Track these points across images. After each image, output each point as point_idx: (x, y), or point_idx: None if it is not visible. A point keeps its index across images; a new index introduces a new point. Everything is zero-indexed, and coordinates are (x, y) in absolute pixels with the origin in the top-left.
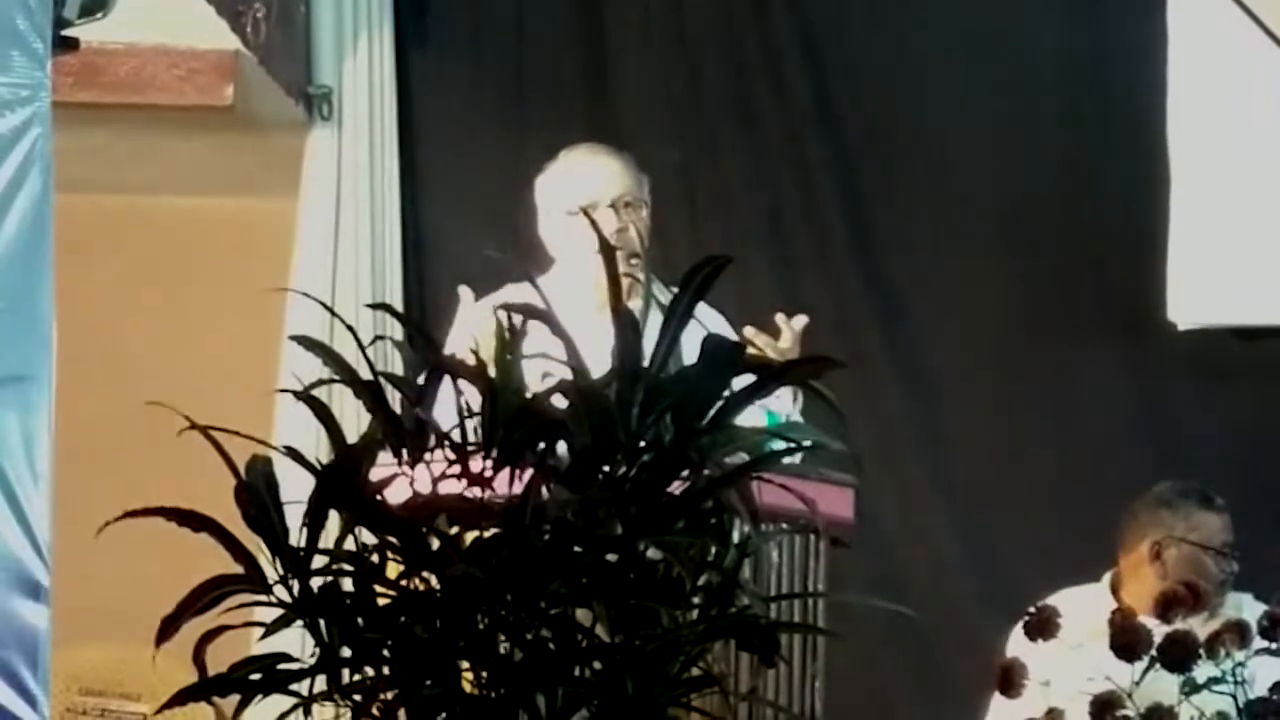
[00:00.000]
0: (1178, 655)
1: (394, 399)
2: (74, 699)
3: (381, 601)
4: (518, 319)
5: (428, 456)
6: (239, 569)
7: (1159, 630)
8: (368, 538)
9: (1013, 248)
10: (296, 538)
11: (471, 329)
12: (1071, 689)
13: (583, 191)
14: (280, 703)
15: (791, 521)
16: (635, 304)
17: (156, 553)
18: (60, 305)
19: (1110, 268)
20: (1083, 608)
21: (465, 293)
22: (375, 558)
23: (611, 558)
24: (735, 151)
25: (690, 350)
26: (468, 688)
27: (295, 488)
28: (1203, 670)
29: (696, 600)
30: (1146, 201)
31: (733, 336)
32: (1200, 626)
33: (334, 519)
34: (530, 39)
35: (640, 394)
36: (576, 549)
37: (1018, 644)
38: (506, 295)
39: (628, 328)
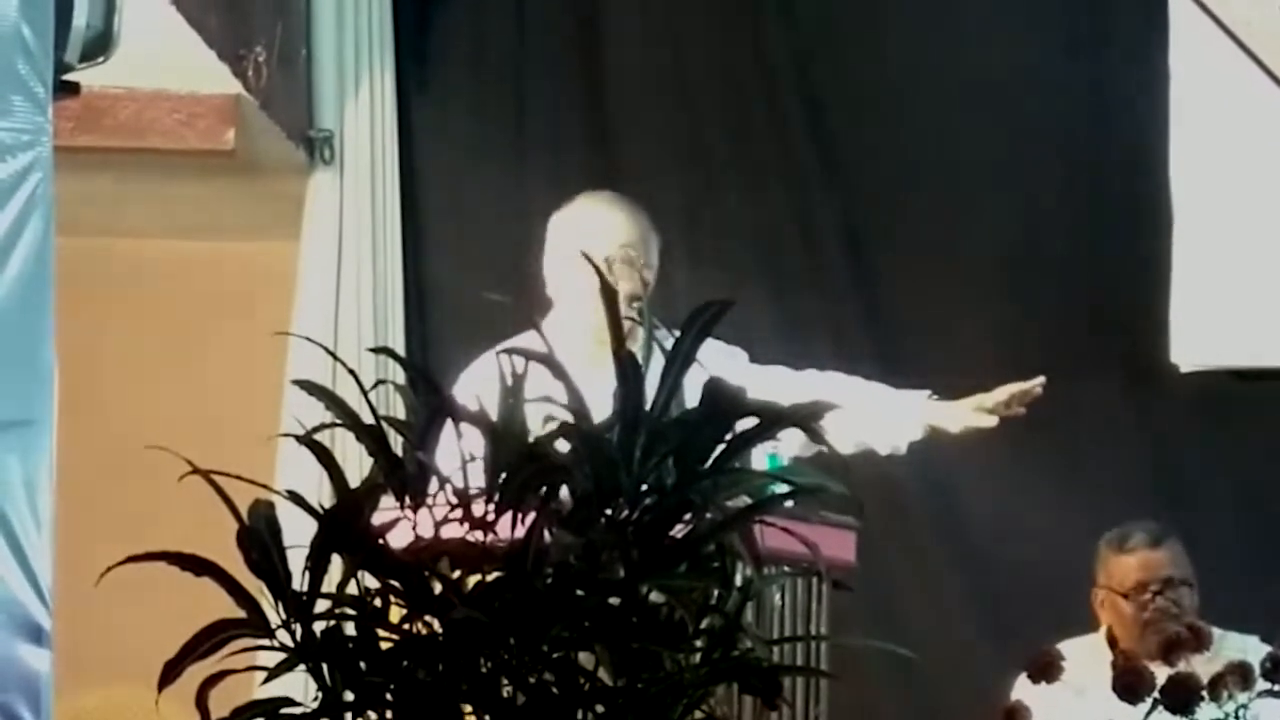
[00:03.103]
0: (1181, 697)
1: (396, 443)
2: None
3: (384, 645)
4: (520, 363)
5: (430, 501)
6: (241, 613)
7: (1162, 672)
8: (370, 582)
9: (1015, 290)
10: (299, 582)
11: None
12: None
13: (587, 236)
14: None
15: (794, 564)
16: (633, 345)
17: (159, 597)
18: (62, 349)
19: (1113, 310)
20: (1083, 655)
21: None
22: (378, 602)
23: (614, 601)
24: (735, 193)
25: (692, 394)
26: None
27: (297, 532)
28: (1206, 712)
29: (699, 643)
30: (1150, 244)
31: (748, 369)
32: (1203, 668)
33: (336, 563)
34: (531, 82)
35: (642, 438)
36: (579, 592)
37: (1021, 688)
38: (512, 344)
39: (629, 372)
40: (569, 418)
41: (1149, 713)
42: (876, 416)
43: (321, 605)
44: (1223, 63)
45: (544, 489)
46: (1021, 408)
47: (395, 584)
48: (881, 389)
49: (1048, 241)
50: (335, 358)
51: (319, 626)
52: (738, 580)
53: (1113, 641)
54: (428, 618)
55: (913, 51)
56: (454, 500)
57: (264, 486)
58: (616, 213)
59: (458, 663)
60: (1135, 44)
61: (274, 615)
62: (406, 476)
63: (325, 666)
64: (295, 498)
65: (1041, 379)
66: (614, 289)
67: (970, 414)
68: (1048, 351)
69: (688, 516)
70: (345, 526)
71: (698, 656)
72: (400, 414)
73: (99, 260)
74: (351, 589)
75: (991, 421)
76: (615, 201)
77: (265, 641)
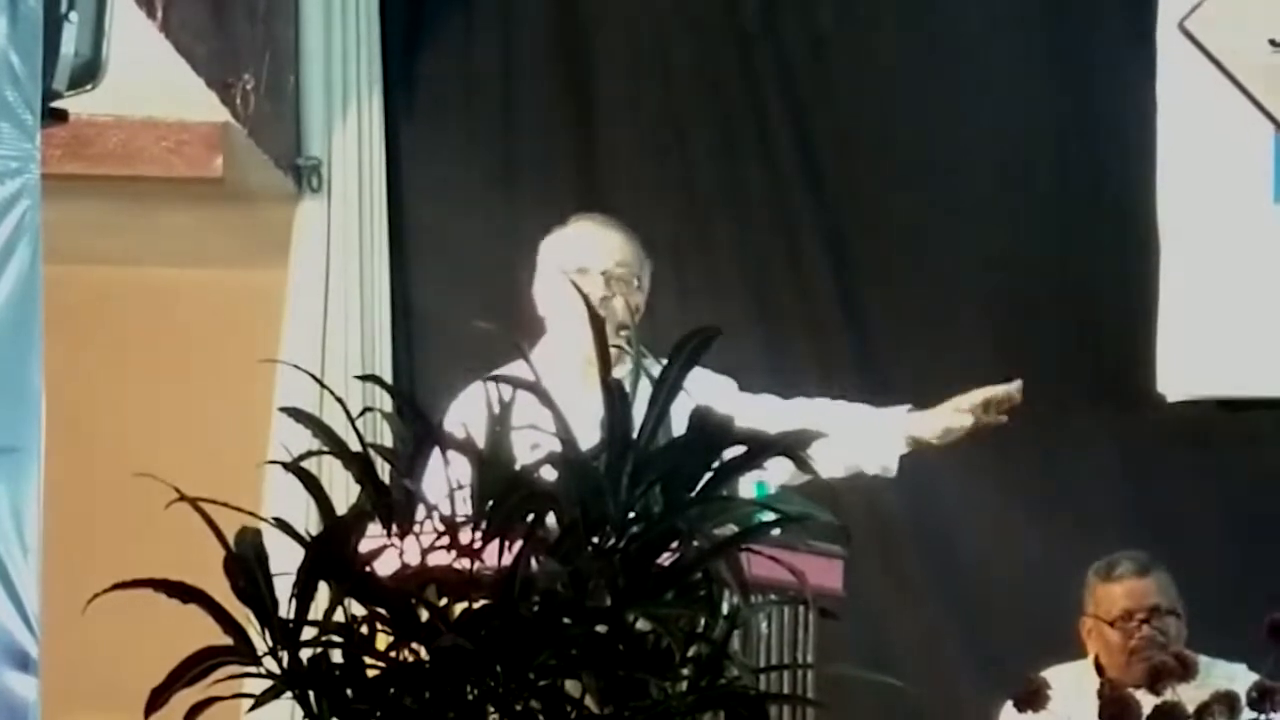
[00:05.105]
0: None
1: (383, 471)
2: None
3: (371, 673)
4: (506, 391)
5: (417, 528)
6: (228, 640)
7: (1148, 701)
8: (357, 609)
9: (1003, 321)
10: (286, 609)
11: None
12: None
13: (576, 256)
14: None
15: (781, 593)
16: (621, 372)
17: (146, 624)
18: (49, 376)
19: (1101, 341)
20: (1070, 683)
21: None
22: (364, 629)
23: (601, 629)
24: (724, 224)
25: (680, 421)
26: None
27: (284, 559)
28: None
29: (686, 671)
30: (1137, 275)
31: (737, 397)
32: (1190, 696)
33: (323, 590)
34: (520, 111)
35: (629, 465)
36: (566, 620)
37: (1008, 716)
38: (501, 373)
39: (617, 399)
40: (556, 445)
41: None
42: (860, 436)
43: (308, 632)
44: (1210, 93)
45: (531, 517)
46: (1003, 416)
47: (382, 611)
48: (864, 409)
49: (1035, 271)
50: (323, 385)
51: (306, 654)
52: (724, 608)
53: (1100, 669)
54: (414, 645)
55: (902, 82)
56: (441, 528)
57: (251, 514)
58: (610, 233)
59: (444, 690)
60: (1123, 74)
61: (261, 642)
62: (393, 504)
63: (312, 694)
64: (282, 525)
65: (1019, 382)
66: (601, 318)
67: (948, 415)
68: (1035, 381)
69: (675, 544)
70: (332, 554)
71: (684, 685)
72: (387, 441)
73: (86, 287)
74: (338, 616)
75: (968, 420)
76: (608, 223)
77: (252, 669)
